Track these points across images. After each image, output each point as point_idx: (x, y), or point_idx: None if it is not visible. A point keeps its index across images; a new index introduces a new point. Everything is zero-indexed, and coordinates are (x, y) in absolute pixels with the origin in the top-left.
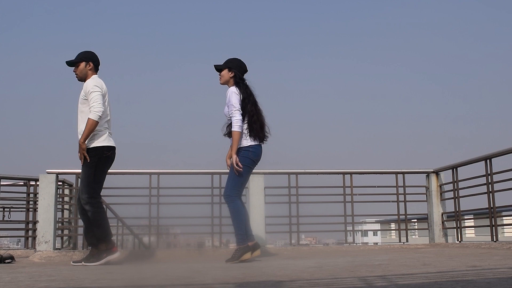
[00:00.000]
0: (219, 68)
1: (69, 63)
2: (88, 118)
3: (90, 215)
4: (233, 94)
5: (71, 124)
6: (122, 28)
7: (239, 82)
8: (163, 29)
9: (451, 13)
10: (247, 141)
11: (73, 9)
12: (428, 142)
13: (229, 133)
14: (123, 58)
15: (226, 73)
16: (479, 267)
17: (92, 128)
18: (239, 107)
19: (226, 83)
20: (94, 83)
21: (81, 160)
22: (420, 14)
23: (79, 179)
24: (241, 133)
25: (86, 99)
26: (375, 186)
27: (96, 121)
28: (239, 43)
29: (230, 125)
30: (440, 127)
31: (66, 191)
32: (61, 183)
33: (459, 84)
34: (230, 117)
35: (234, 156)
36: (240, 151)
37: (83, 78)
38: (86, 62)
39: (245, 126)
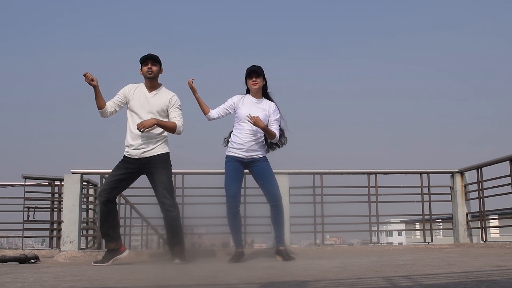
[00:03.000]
0: (259, 73)
1: (151, 57)
2: (176, 123)
3: (173, 217)
4: (280, 113)
5: (96, 125)
6: (143, 27)
7: (266, 93)
8: (185, 28)
9: (475, 12)
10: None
11: (99, 9)
12: (453, 142)
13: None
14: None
15: (261, 81)
16: (504, 267)
17: (170, 129)
18: None
19: (259, 90)
20: (178, 101)
21: (141, 127)
22: (444, 13)
23: (159, 184)
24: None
25: (165, 111)
26: (399, 186)
27: (177, 131)
28: (263, 42)
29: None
30: (465, 127)
31: (91, 191)
32: (85, 183)
33: (484, 83)
34: (279, 132)
35: (262, 124)
36: (266, 159)
37: (153, 79)
38: (160, 67)
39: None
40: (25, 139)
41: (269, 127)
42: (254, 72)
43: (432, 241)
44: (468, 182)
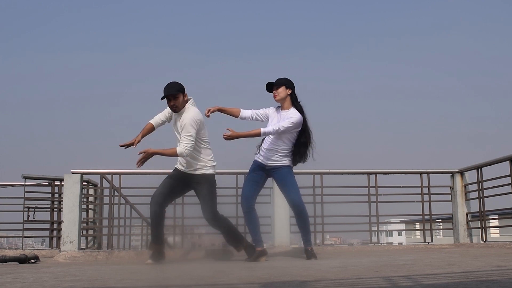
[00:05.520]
0: (277, 84)
1: (169, 94)
2: (176, 149)
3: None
4: (296, 123)
5: (96, 125)
6: (146, 28)
7: (296, 103)
8: (188, 28)
9: (476, 13)
10: (291, 162)
11: (98, 9)
12: (453, 142)
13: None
14: (149, 58)
15: (283, 90)
16: (504, 267)
17: (170, 155)
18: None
19: (282, 100)
20: (189, 121)
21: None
22: (445, 14)
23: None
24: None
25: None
26: (400, 186)
27: (179, 155)
28: (264, 42)
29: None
30: (465, 127)
31: (91, 191)
32: (85, 183)
33: (484, 83)
34: (277, 128)
35: (236, 134)
36: (289, 168)
37: (179, 111)
38: (183, 94)
39: (292, 148)
40: (25, 139)
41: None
42: (275, 84)
43: (432, 241)
44: (468, 182)
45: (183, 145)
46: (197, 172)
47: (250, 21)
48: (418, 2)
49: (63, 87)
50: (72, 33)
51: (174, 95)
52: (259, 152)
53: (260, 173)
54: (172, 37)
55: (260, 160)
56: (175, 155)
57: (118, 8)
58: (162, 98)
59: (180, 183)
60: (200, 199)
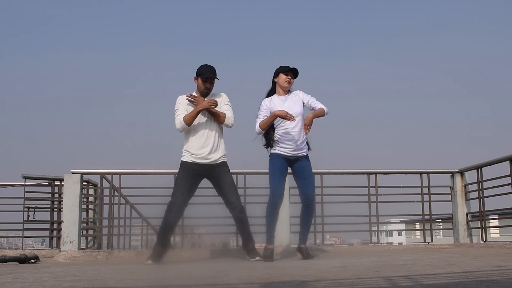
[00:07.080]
0: (296, 75)
1: (214, 76)
2: (226, 113)
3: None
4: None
5: (96, 125)
6: (146, 28)
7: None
8: (188, 28)
9: (474, 13)
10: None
11: (98, 9)
12: (453, 142)
13: None
14: (149, 58)
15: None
16: (504, 267)
17: (220, 117)
18: None
19: (287, 88)
20: (227, 98)
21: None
22: (445, 14)
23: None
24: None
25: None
26: (400, 186)
27: (226, 121)
28: (264, 42)
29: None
30: (465, 127)
31: (91, 191)
32: (85, 183)
33: (484, 84)
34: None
35: (311, 116)
36: (308, 159)
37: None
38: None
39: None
40: (25, 139)
41: (312, 107)
42: (292, 72)
43: (432, 241)
44: (468, 182)
45: (230, 113)
46: (221, 160)
47: (250, 21)
48: (418, 2)
49: (63, 87)
50: (72, 33)
51: (216, 77)
52: (278, 144)
53: (285, 164)
54: (172, 37)
55: (285, 152)
56: (224, 118)
57: (118, 8)
58: (206, 77)
59: (197, 180)
60: (226, 189)
